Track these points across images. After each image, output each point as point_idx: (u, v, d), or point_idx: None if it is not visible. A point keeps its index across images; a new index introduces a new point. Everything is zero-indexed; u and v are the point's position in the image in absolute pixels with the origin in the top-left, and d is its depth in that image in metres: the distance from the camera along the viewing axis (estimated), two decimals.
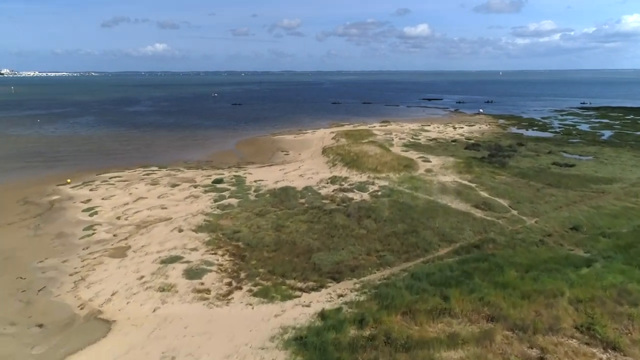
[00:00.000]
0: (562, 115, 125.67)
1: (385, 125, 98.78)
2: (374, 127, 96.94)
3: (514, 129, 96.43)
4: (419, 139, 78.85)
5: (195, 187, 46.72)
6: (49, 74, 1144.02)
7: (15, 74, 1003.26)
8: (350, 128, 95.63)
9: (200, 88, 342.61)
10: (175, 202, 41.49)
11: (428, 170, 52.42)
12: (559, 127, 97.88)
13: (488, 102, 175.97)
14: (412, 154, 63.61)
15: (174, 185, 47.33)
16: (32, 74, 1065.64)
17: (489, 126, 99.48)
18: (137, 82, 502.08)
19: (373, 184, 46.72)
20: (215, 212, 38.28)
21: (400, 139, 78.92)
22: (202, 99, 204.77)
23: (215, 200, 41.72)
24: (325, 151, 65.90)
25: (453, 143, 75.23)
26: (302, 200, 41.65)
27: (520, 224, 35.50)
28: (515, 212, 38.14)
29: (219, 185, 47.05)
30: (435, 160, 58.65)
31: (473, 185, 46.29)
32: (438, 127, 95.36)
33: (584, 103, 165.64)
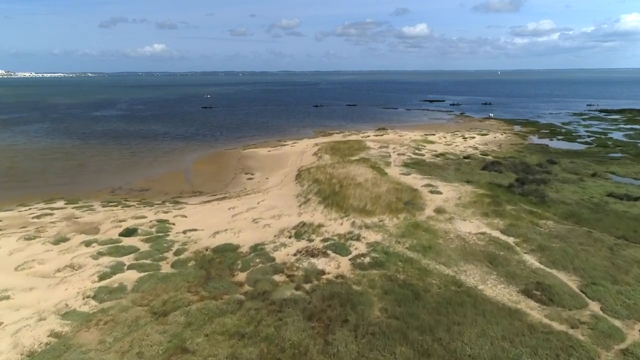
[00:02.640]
0: (583, 119, 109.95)
1: (382, 135, 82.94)
2: (368, 137, 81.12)
3: (535, 139, 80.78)
4: (423, 154, 63.01)
5: (89, 244, 30.83)
6: (45, 74, 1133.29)
7: (11, 74, 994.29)
8: (340, 138, 79.84)
9: (193, 89, 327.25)
10: (35, 282, 25.60)
11: (439, 211, 36.54)
12: (588, 136, 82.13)
13: (485, 104, 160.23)
14: (415, 179, 47.79)
15: (58, 241, 31.41)
16: (27, 74, 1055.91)
17: (504, 135, 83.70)
18: (129, 83, 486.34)
19: (358, 238, 30.85)
20: (82, 309, 22.42)
21: (399, 154, 63.07)
22: (185, 102, 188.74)
23: (102, 277, 25.87)
24: (300, 175, 50.04)
25: (466, 160, 59.40)
26: (242, 277, 25.84)
27: (616, 339, 19.65)
28: (596, 307, 22.31)
29: (125, 242, 31.20)
30: (447, 191, 42.80)
31: (510, 240, 30.44)
32: (445, 137, 79.51)
33: (590, 105, 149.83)
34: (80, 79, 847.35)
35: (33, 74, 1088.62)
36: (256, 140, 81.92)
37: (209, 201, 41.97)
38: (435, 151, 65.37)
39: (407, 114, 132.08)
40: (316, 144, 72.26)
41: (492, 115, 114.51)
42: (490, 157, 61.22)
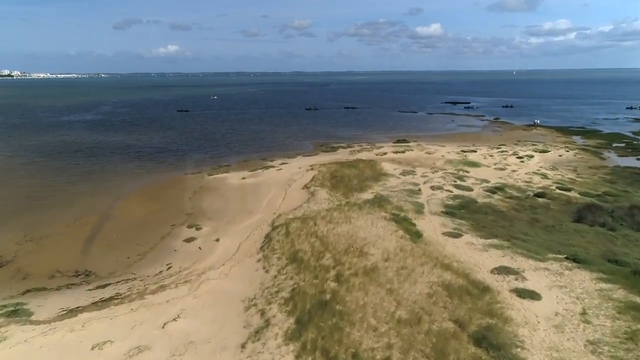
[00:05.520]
0: None
1: (403, 151, 61.72)
2: (385, 154, 60.04)
3: (614, 157, 59.28)
4: (469, 188, 41.75)
5: None
6: (59, 75, 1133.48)
7: (26, 75, 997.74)
8: (346, 157, 58.94)
9: (200, 89, 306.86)
10: None
11: None
12: None
13: (507, 106, 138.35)
14: (474, 250, 26.76)
15: None
16: (42, 75, 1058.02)
17: (570, 151, 61.98)
18: (135, 84, 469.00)
19: None
20: None
21: (433, 187, 41.91)
22: (180, 105, 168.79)
23: None
24: (271, 237, 29.18)
25: (541, 200, 38.07)
26: None
27: None
28: None
29: None
30: (547, 289, 21.75)
31: None
32: (491, 155, 58.10)
33: (632, 107, 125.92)
34: (92, 79, 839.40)
35: (48, 75, 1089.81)
36: (235, 158, 61.69)
37: (77, 311, 21.32)
38: (487, 181, 44.02)
39: (430, 119, 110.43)
40: (312, 167, 51.45)
41: (538, 121, 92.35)
42: (575, 194, 39.76)
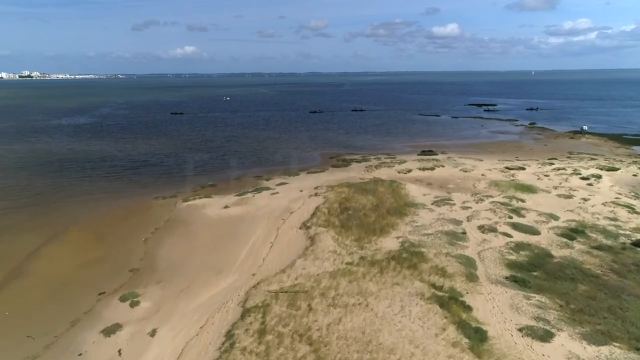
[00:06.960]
0: None
1: (432, 167, 49.66)
2: (409, 170, 48.15)
3: None
4: (533, 227, 29.69)
5: None
6: (77, 76, 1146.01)
7: (46, 76, 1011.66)
8: (361, 173, 47.33)
9: (213, 90, 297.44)
10: None
11: None
12: None
13: (531, 109, 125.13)
14: None
15: None
16: (61, 76, 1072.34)
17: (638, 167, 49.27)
18: (147, 85, 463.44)
19: None
20: None
21: (482, 227, 29.97)
22: (184, 106, 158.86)
23: None
24: (234, 341, 17.52)
25: None
26: None
27: None
28: None
29: None
30: None
31: None
32: (545, 174, 45.66)
33: None
34: (109, 80, 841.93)
35: (67, 76, 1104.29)
36: (225, 174, 50.90)
37: None
38: (554, 217, 31.83)
39: (456, 123, 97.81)
40: (317, 190, 39.94)
41: (585, 128, 79.05)
42: None
